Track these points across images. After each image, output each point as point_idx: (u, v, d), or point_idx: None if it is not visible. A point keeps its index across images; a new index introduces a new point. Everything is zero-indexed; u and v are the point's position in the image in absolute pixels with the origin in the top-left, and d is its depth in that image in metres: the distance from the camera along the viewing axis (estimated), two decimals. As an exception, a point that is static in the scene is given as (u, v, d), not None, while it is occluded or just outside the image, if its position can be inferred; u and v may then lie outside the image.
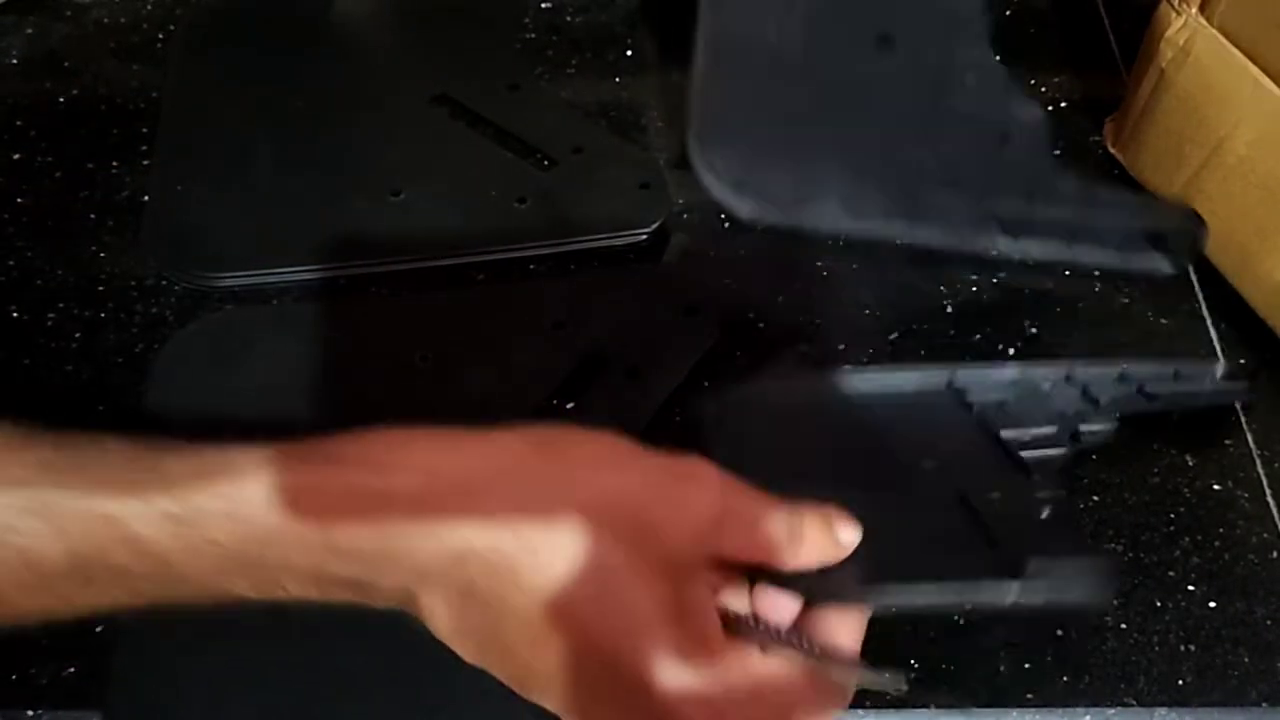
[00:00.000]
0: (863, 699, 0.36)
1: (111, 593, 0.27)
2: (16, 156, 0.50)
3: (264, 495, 0.26)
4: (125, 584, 0.27)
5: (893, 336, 0.45)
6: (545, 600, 0.26)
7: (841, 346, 0.44)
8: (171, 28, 0.55)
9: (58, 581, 0.26)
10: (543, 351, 0.43)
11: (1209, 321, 0.45)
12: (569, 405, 0.42)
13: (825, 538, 0.29)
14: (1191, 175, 0.45)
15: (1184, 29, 0.43)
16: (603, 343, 0.43)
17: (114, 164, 0.50)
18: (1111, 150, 0.50)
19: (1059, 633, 0.37)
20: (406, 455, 0.27)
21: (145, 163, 0.50)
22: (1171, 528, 0.39)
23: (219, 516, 0.26)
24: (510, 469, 0.27)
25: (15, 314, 0.45)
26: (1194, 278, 0.47)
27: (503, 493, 0.27)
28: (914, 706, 0.36)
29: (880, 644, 0.36)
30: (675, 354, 0.43)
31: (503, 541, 0.26)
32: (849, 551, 0.30)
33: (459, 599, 0.27)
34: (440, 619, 0.27)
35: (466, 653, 0.28)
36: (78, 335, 0.45)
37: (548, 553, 0.26)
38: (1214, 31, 0.42)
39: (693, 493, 0.28)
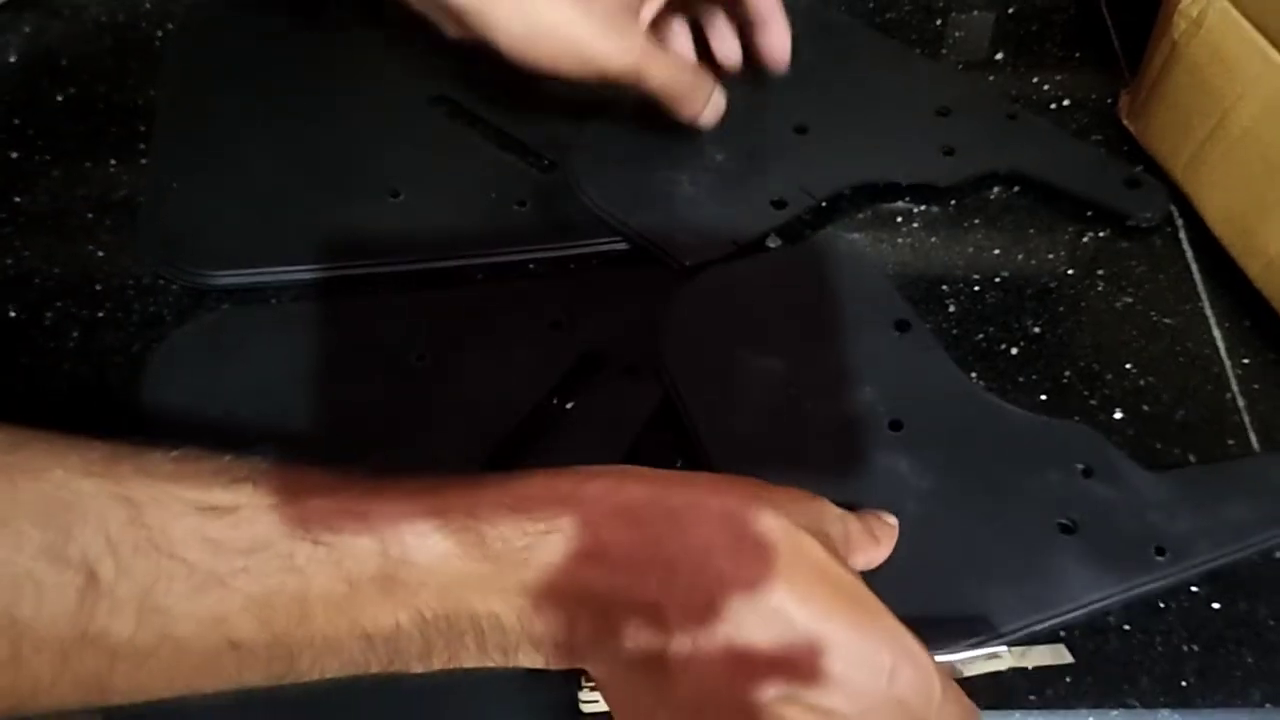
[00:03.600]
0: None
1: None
2: (14, 155, 0.50)
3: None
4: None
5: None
6: None
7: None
8: (169, 26, 0.55)
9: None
10: (541, 351, 0.43)
11: (1213, 321, 0.45)
12: (568, 405, 0.42)
13: (889, 531, 0.33)
14: (1197, 147, 0.45)
15: (1197, 1, 0.44)
16: (602, 341, 0.43)
17: (111, 162, 0.50)
18: (1124, 123, 0.50)
19: (1061, 633, 0.37)
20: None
21: (143, 161, 0.50)
22: (1174, 528, 0.39)
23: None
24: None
25: (12, 313, 0.45)
26: (1197, 277, 0.46)
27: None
28: (916, 708, 0.36)
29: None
30: None
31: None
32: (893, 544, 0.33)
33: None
34: None
35: None
36: (75, 334, 0.44)
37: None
38: (1226, 4, 0.42)
39: (824, 509, 0.31)
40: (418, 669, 0.27)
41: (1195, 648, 0.37)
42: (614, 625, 0.26)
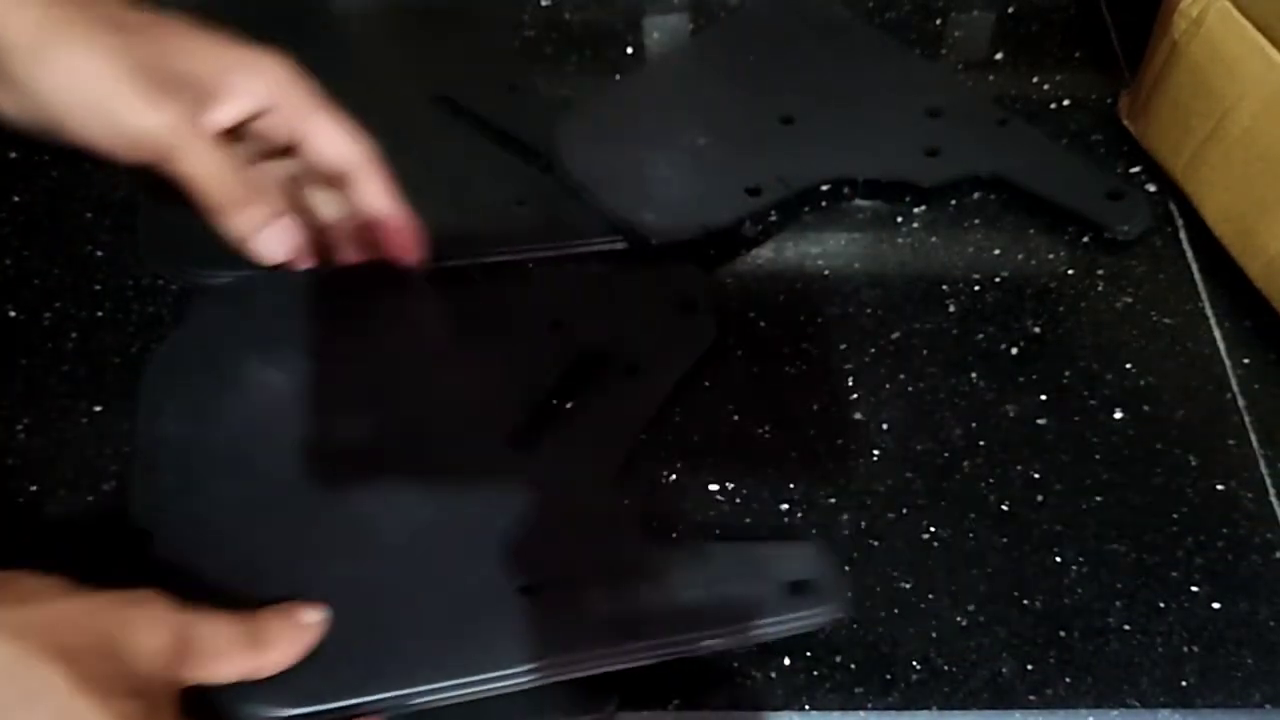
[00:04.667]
0: (864, 700, 0.35)
1: None
2: (13, 155, 0.50)
3: None
4: None
5: (894, 336, 0.44)
6: None
7: (843, 346, 0.44)
8: (169, 26, 0.55)
9: None
10: (541, 350, 0.43)
11: (1213, 321, 0.45)
12: (568, 404, 0.42)
13: (292, 635, 0.30)
14: (1197, 147, 0.45)
15: (1198, 1, 0.44)
16: (601, 341, 0.43)
17: (110, 162, 0.50)
18: (1124, 123, 0.50)
19: (1061, 634, 0.37)
20: None
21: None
22: (1175, 528, 0.39)
23: None
24: None
25: (12, 313, 0.45)
26: (1198, 277, 0.46)
27: None
28: (916, 708, 0.36)
29: (879, 642, 0.37)
30: (675, 351, 0.43)
31: None
32: (320, 631, 0.31)
33: None
34: None
35: None
36: (74, 334, 0.44)
37: None
38: (1227, 4, 0.42)
39: (144, 621, 0.28)
40: None
41: (1196, 648, 0.37)
42: None
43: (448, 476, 0.38)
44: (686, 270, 0.46)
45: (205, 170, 0.35)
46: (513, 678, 0.33)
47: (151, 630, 0.27)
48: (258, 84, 0.35)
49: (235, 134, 0.36)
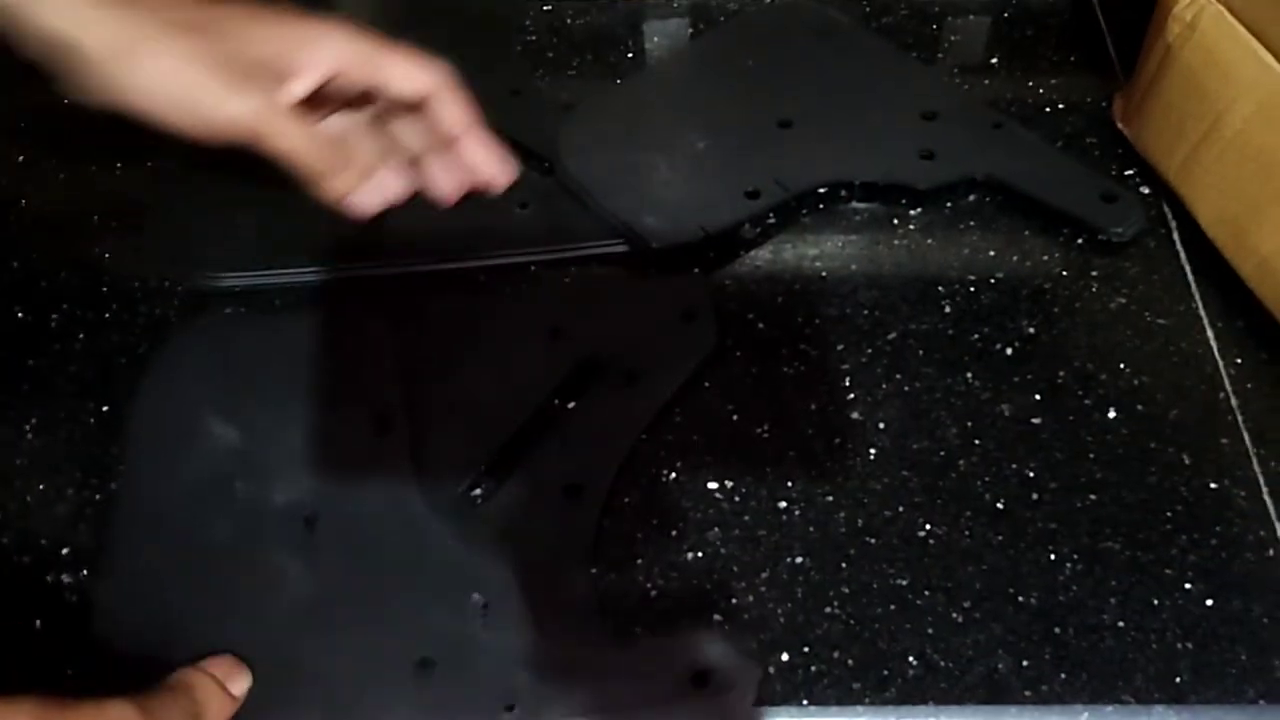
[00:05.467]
0: (861, 696, 0.36)
1: None
2: (20, 159, 0.51)
3: None
4: None
5: (891, 336, 0.45)
6: None
7: (840, 347, 0.44)
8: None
9: None
10: (542, 355, 0.43)
11: (1206, 321, 0.45)
12: (569, 405, 0.42)
13: (225, 701, 0.34)
14: (1191, 149, 0.45)
15: (1192, 5, 0.44)
16: (602, 346, 0.43)
17: (117, 165, 0.50)
18: (1118, 126, 0.51)
19: (1056, 630, 0.37)
20: None
21: (148, 164, 0.50)
22: (1169, 526, 0.40)
23: None
24: None
25: (20, 314, 0.45)
26: (1191, 278, 0.47)
27: None
28: (913, 703, 0.36)
29: (876, 638, 0.37)
30: (674, 358, 0.43)
31: None
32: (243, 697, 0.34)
33: None
34: None
35: None
36: (81, 336, 0.45)
37: None
38: (1220, 8, 0.43)
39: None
40: None
41: (1190, 645, 0.37)
42: None
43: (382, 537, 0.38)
44: (688, 277, 0.46)
45: (293, 145, 0.37)
46: None
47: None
48: (324, 54, 0.37)
49: (316, 99, 0.38)
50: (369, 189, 0.41)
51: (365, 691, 0.35)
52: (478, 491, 0.40)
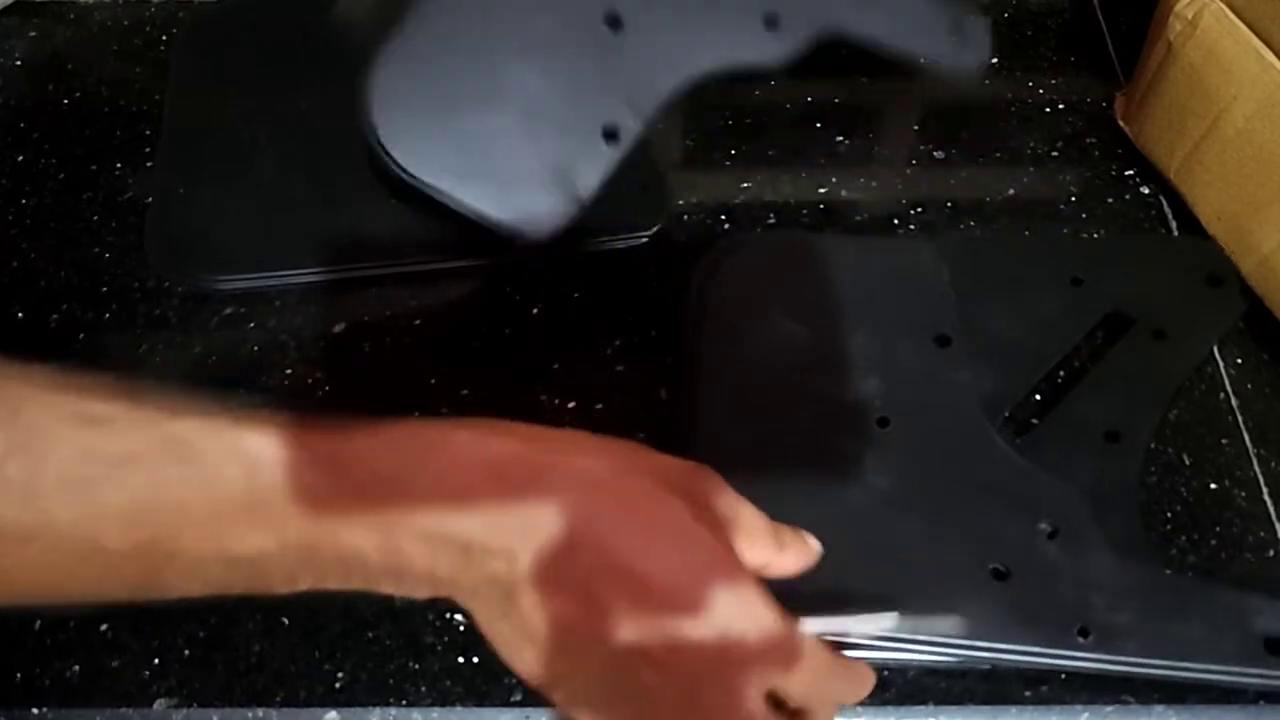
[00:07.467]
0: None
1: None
2: (20, 158, 0.50)
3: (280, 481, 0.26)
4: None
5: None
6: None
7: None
8: (174, 30, 0.56)
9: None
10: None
11: (1206, 321, 0.45)
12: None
13: (803, 548, 0.31)
14: (1192, 147, 0.45)
15: (1193, 3, 0.44)
16: (1125, 304, 0.44)
17: (117, 166, 0.50)
18: (1120, 125, 0.51)
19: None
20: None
21: (148, 164, 0.50)
22: (1169, 526, 0.40)
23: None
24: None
25: (19, 315, 0.45)
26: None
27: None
28: (912, 704, 0.36)
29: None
30: (1202, 323, 0.44)
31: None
32: (818, 558, 0.32)
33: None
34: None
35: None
36: (80, 336, 0.45)
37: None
38: (1222, 6, 0.43)
39: (715, 485, 0.30)
40: (281, 590, 0.27)
41: (1189, 645, 0.37)
42: (473, 563, 0.27)
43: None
44: (1207, 244, 0.46)
45: None
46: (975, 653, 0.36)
47: (719, 494, 0.30)
48: None
49: None
50: None
51: (944, 582, 0.37)
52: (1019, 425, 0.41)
